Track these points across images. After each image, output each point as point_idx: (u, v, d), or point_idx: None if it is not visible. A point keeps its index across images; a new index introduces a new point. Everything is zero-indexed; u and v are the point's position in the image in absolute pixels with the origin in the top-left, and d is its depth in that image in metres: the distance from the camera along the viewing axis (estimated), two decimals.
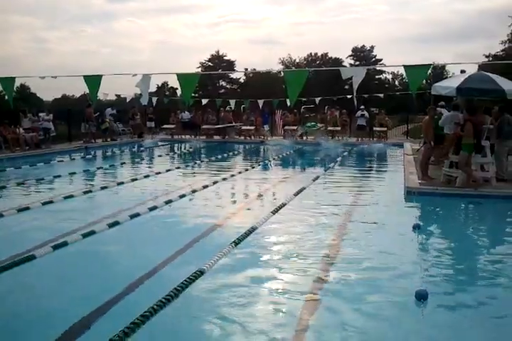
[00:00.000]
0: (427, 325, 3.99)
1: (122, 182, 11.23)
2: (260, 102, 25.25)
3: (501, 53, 43.98)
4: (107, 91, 23.22)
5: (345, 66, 51.96)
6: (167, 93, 58.33)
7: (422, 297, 4.47)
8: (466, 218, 8.95)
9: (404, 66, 8.62)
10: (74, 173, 12.84)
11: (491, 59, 43.00)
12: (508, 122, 11.02)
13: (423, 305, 4.39)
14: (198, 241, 6.55)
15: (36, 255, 5.70)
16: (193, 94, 41.29)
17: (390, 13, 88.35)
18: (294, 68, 53.55)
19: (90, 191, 10.15)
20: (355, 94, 9.31)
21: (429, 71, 9.00)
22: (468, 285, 5.14)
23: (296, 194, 9.61)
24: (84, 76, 10.68)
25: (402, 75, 63.61)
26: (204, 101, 25.80)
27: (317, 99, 25.33)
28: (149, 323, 4.00)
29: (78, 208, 8.84)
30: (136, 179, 11.81)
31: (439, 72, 54.05)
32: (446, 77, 42.39)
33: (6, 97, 13.17)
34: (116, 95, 27.34)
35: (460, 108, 11.66)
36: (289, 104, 10.92)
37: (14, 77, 11.94)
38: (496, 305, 4.63)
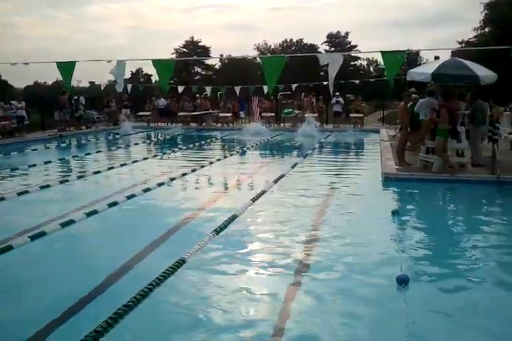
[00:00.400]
0: (408, 310, 4.03)
1: (99, 171, 11.08)
2: (237, 89, 25.09)
3: (474, 40, 44.42)
4: (80, 78, 22.82)
5: (320, 52, 51.98)
6: (142, 80, 57.60)
7: (402, 281, 4.53)
8: (443, 203, 9.07)
9: (382, 52, 8.65)
10: (49, 162, 12.63)
11: (463, 45, 43.43)
12: (482, 108, 11.17)
13: (404, 290, 4.45)
14: (179, 230, 6.54)
15: (13, 245, 5.61)
16: (170, 81, 40.87)
17: None
18: (269, 54, 53.28)
19: (67, 180, 10.00)
20: (331, 81, 9.29)
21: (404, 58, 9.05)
22: (448, 269, 5.21)
23: (276, 181, 9.63)
24: (58, 62, 10.46)
25: (377, 61, 64.03)
26: (180, 88, 25.49)
27: (293, 86, 25.30)
28: (132, 313, 3.98)
29: (55, 198, 8.73)
30: (112, 167, 11.66)
31: (413, 59, 54.46)
32: (420, 64, 42.73)
33: None
34: (90, 82, 26.91)
35: (435, 94, 11.77)
36: (267, 90, 10.85)
37: None
38: (475, 289, 4.72)
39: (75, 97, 22.28)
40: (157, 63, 9.77)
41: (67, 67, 10.47)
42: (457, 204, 8.91)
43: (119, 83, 10.95)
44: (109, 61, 10.64)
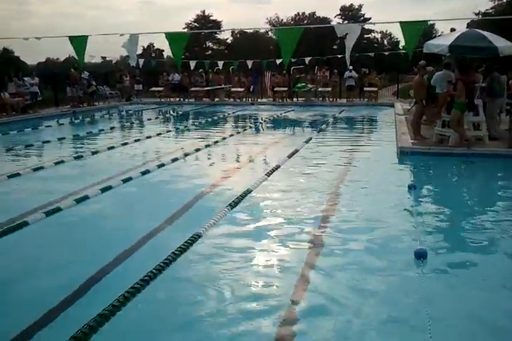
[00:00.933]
0: (426, 285, 4.00)
1: (113, 147, 11.09)
2: (249, 63, 24.83)
3: (491, 11, 43.35)
4: (93, 54, 22.68)
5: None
6: (153, 55, 57.22)
7: (421, 256, 4.49)
8: (459, 177, 8.95)
9: (401, 22, 8.42)
10: (63, 138, 12.67)
11: (480, 17, 42.42)
12: (498, 80, 10.94)
13: (423, 264, 4.41)
14: (193, 205, 6.53)
15: (29, 221, 5.64)
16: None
17: None
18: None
19: (81, 156, 10.03)
20: (348, 52, 9.08)
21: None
22: (467, 244, 5.16)
23: (290, 156, 9.56)
24: (70, 37, 10.39)
25: (391, 34, 63.03)
26: (192, 63, 25.27)
27: (306, 60, 24.95)
28: (149, 288, 3.99)
29: (70, 173, 8.74)
30: (126, 143, 11.67)
31: (428, 31, 53.36)
32: (435, 36, 41.87)
33: None
34: (102, 57, 26.72)
35: (451, 66, 11.52)
36: (281, 62, 10.67)
37: None
38: (494, 265, 4.66)
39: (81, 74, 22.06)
40: (170, 36, 9.64)
41: (79, 42, 10.39)
42: (474, 178, 8.80)
43: (132, 57, 10.83)
44: (121, 35, 10.51)
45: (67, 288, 4.03)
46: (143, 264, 4.42)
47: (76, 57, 11.27)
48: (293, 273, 4.38)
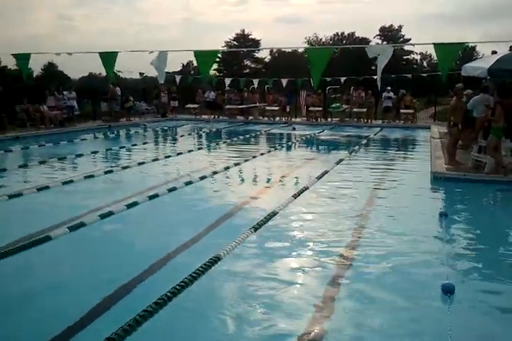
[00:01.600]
0: (452, 322, 3.78)
1: (143, 163, 11.15)
2: (284, 81, 24.89)
3: None
4: (131, 69, 23.18)
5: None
6: (192, 72, 58.02)
7: (448, 291, 4.26)
8: (494, 206, 8.60)
9: (435, 44, 8.23)
10: (96, 152, 12.84)
11: None
12: None
13: (449, 300, 4.18)
14: (217, 226, 6.42)
15: (52, 236, 5.64)
16: (217, 74, 40.95)
17: None
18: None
19: (111, 171, 10.10)
20: (379, 73, 8.92)
21: (459, 52, 8.58)
22: (497, 280, 4.89)
23: (319, 177, 9.40)
24: (100, 53, 10.54)
25: (431, 56, 62.31)
26: (227, 81, 25.46)
27: (342, 79, 24.83)
28: (164, 310, 3.90)
29: (97, 188, 8.80)
30: (157, 159, 11.73)
31: (469, 54, 52.64)
32: (476, 58, 41.24)
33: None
34: (140, 73, 27.23)
35: (490, 90, 11.23)
36: (312, 84, 10.56)
37: (29, 53, 11.92)
38: None
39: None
40: (198, 54, 9.68)
41: (109, 58, 10.53)
42: (509, 207, 8.43)
43: (161, 74, 10.88)
44: (151, 52, 10.61)
45: (81, 305, 4.00)
46: (161, 285, 4.33)
47: (106, 72, 11.42)
48: (312, 304, 4.22)
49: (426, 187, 9.04)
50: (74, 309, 4.00)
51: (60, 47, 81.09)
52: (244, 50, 57.97)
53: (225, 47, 62.63)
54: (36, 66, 49.44)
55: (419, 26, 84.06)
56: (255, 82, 25.80)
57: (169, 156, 12.36)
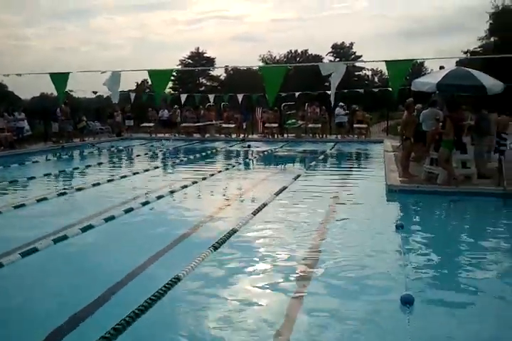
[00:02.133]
0: (411, 333, 3.81)
1: (98, 183, 10.91)
2: (240, 97, 25.04)
3: (479, 49, 44.24)
4: (84, 89, 22.90)
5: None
6: (147, 90, 57.67)
7: (407, 302, 4.31)
8: (448, 216, 8.82)
9: (386, 61, 8.44)
10: (49, 174, 12.52)
11: (469, 55, 43.24)
12: (486, 118, 10.97)
13: (409, 311, 4.22)
14: (176, 245, 6.32)
15: (3, 262, 5.42)
16: (172, 92, 40.90)
17: (369, 10, 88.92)
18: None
19: (64, 193, 9.85)
20: (333, 90, 9.08)
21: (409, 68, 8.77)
22: (454, 287, 4.99)
23: (277, 193, 9.43)
24: (51, 74, 10.36)
25: (382, 71, 63.86)
26: (183, 97, 25.36)
27: (296, 94, 25.15)
28: (124, 334, 3.78)
29: (51, 211, 8.54)
30: (112, 180, 11.50)
31: (418, 69, 54.31)
32: (424, 74, 42.55)
33: None
34: (93, 92, 26.86)
35: (438, 104, 11.58)
36: (268, 102, 10.64)
37: None
38: (484, 310, 4.48)
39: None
40: (153, 73, 9.63)
41: (60, 79, 10.36)
42: (463, 217, 8.64)
43: (114, 94, 10.77)
44: (103, 72, 10.51)
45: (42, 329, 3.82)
46: (118, 309, 4.22)
47: (56, 93, 11.23)
48: (276, 316, 4.19)
49: (381, 200, 9.21)
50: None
51: (12, 67, 79.28)
52: (199, 68, 58.12)
53: (180, 66, 62.67)
54: None
55: (370, 43, 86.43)
56: (211, 98, 25.84)
57: (125, 176, 12.14)
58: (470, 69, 11.94)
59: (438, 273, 5.48)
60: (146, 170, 13.26)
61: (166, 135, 24.98)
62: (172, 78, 50.39)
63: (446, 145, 9.67)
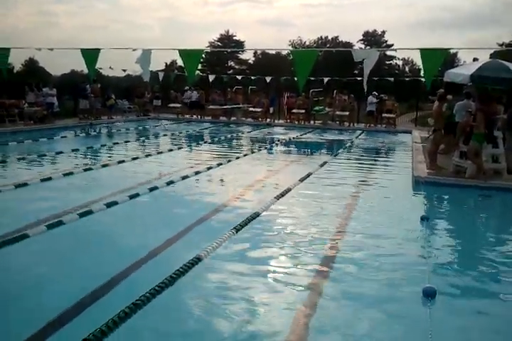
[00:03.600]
0: (432, 326, 3.76)
1: (123, 161, 11.01)
2: (268, 79, 24.96)
3: None
4: (113, 67, 23.02)
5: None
6: (176, 71, 57.74)
7: (429, 294, 4.25)
8: (475, 210, 8.65)
9: (421, 49, 8.22)
10: (76, 150, 12.65)
11: (504, 47, 42.19)
12: None
13: (430, 304, 4.17)
14: (199, 225, 6.35)
15: (30, 234, 5.51)
16: (200, 74, 40.96)
17: None
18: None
19: (90, 168, 9.95)
20: (365, 77, 8.90)
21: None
22: (478, 283, 4.91)
23: (302, 179, 9.37)
24: (82, 49, 10.36)
25: (413, 61, 62.89)
26: (211, 78, 25.24)
27: (325, 79, 24.87)
28: (143, 310, 3.81)
29: (76, 186, 8.64)
30: (137, 158, 11.57)
31: (451, 60, 53.23)
32: (457, 65, 41.71)
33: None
34: (123, 70, 27.00)
35: (472, 96, 11.33)
36: (298, 86, 10.50)
37: (9, 48, 11.68)
38: (507, 306, 4.41)
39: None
40: (184, 53, 9.56)
41: (91, 55, 10.35)
42: (490, 212, 8.48)
43: (145, 72, 10.75)
44: (134, 49, 10.50)
45: (60, 304, 3.90)
46: (140, 285, 4.25)
47: (86, 70, 11.26)
48: (294, 305, 4.18)
49: (407, 191, 9.08)
50: (52, 307, 3.91)
51: (41, 43, 80.00)
52: (229, 50, 57.90)
53: (209, 48, 62.48)
54: (17, 61, 48.68)
55: (402, 32, 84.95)
56: (239, 78, 25.71)
57: (149, 155, 12.20)
58: (505, 62, 11.66)
59: (461, 266, 5.40)
60: (171, 150, 13.32)
61: (194, 117, 25.02)
62: (201, 60, 50.39)
63: (477, 138, 9.47)
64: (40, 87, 19.58)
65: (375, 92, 22.37)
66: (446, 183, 9.35)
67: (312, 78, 23.08)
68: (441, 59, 8.40)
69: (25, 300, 4.15)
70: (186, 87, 25.51)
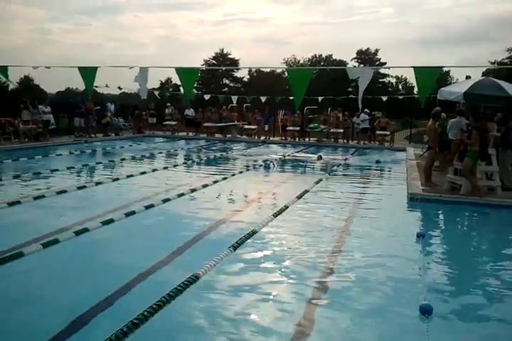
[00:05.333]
0: None
1: (118, 179, 10.99)
2: (263, 99, 25.14)
3: (507, 60, 43.72)
4: (109, 85, 23.19)
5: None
6: (170, 89, 58.05)
7: (426, 312, 4.24)
8: (470, 227, 8.69)
9: (414, 67, 8.30)
10: (71, 168, 12.62)
11: (496, 66, 42.73)
12: None
13: (427, 321, 4.15)
14: (196, 244, 6.33)
15: (24, 252, 5.48)
16: (195, 92, 41.19)
17: (394, 17, 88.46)
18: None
19: (84, 186, 9.92)
20: (361, 95, 8.97)
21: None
22: (474, 299, 4.91)
23: (299, 197, 9.37)
24: (80, 67, 10.42)
25: (406, 79, 63.60)
26: (206, 97, 25.38)
27: (319, 99, 25.05)
28: (140, 330, 3.78)
29: (70, 204, 8.59)
30: (132, 175, 11.54)
31: (443, 78, 53.77)
32: (450, 83, 42.16)
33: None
34: (118, 88, 27.17)
35: (465, 114, 11.44)
36: (295, 105, 10.54)
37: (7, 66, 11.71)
38: (503, 323, 4.39)
39: (107, 103, 22.68)
40: (180, 71, 9.63)
41: (89, 73, 10.41)
42: (485, 229, 8.50)
43: (143, 90, 10.81)
44: (131, 67, 10.55)
45: (54, 325, 3.85)
46: (135, 305, 4.22)
47: (83, 87, 11.30)
48: (292, 322, 4.15)
49: (403, 208, 9.12)
50: (43, 330, 3.88)
51: (36, 61, 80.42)
52: (224, 68, 58.32)
53: (204, 66, 62.95)
54: (12, 79, 48.79)
55: (395, 50, 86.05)
56: (234, 99, 25.86)
57: (144, 173, 12.17)
58: (498, 80, 11.81)
59: (457, 283, 5.41)
60: (166, 168, 13.32)
61: (190, 134, 25.08)
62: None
63: (471, 155, 9.52)
64: (36, 104, 19.59)
65: (366, 110, 22.44)
66: (441, 200, 9.38)
67: (306, 97, 23.27)
68: (435, 77, 8.49)
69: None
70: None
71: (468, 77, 14.65)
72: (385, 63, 62.83)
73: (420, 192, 9.76)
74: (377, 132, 22.75)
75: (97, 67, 10.41)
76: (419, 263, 5.72)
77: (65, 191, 9.24)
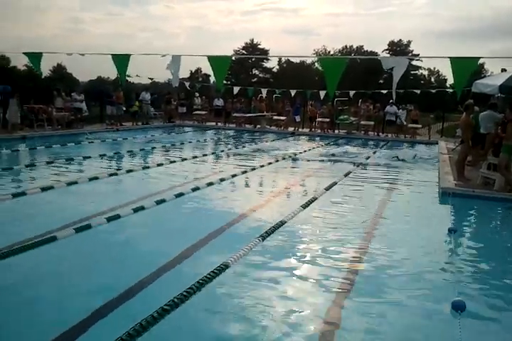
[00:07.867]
0: (462, 339, 3.68)
1: (148, 167, 11.09)
2: (292, 92, 24.98)
3: None
4: (140, 75, 23.33)
5: None
6: (200, 79, 58.20)
7: (458, 308, 4.17)
8: (503, 223, 8.47)
9: (451, 58, 8.07)
10: (103, 155, 12.78)
11: None
12: None
13: (460, 317, 4.08)
14: (224, 233, 6.35)
15: (58, 236, 5.57)
16: (225, 82, 41.18)
17: (426, 8, 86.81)
18: None
19: (115, 174, 10.04)
20: (394, 86, 8.78)
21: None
22: (506, 296, 4.80)
23: (327, 188, 9.31)
24: (113, 55, 10.48)
25: (439, 72, 62.50)
26: (235, 89, 25.36)
27: (351, 93, 24.76)
28: (169, 317, 3.81)
29: (102, 191, 8.73)
30: (162, 164, 11.63)
31: (477, 70, 52.62)
32: (484, 76, 41.19)
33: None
34: (149, 78, 27.31)
35: (498, 107, 11.17)
36: (325, 94, 10.43)
37: (41, 53, 11.83)
38: None
39: (141, 93, 22.85)
40: (213, 59, 9.59)
41: (121, 60, 10.46)
42: None
43: (175, 78, 10.82)
44: (163, 55, 10.58)
45: (83, 310, 3.92)
46: (166, 291, 4.25)
47: (116, 75, 11.37)
48: (318, 317, 4.13)
49: (434, 203, 8.96)
50: (74, 312, 3.94)
51: (67, 50, 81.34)
52: (255, 57, 58.10)
53: (234, 56, 62.84)
54: (45, 67, 49.54)
55: (426, 42, 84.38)
56: (264, 91, 25.77)
57: (174, 161, 12.24)
58: None
59: (490, 279, 5.28)
60: (195, 157, 13.37)
61: (219, 124, 25.15)
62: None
63: (507, 150, 9.30)
64: (68, 92, 19.90)
65: (392, 101, 21.95)
66: (474, 195, 9.19)
67: (337, 91, 23.04)
68: (472, 68, 8.24)
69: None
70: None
71: (503, 70, 14.30)
72: (418, 55, 61.66)
73: (452, 187, 9.58)
74: (409, 125, 22.38)
75: (129, 55, 10.46)
76: (451, 259, 5.63)
77: (96, 177, 9.37)
